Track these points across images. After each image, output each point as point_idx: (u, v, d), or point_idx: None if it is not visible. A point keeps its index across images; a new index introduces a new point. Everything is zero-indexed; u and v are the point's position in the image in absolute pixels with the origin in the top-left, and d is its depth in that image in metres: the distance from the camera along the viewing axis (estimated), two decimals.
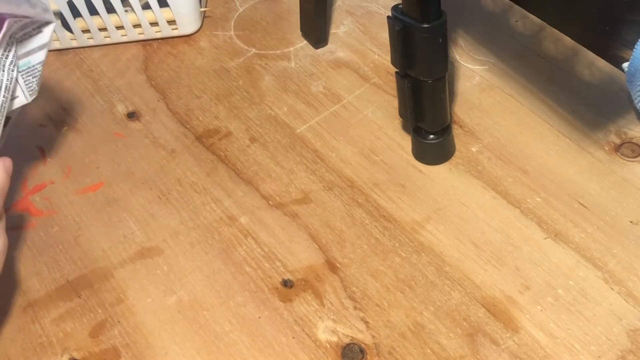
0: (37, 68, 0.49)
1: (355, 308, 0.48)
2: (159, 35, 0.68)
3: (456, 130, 0.57)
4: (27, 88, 0.49)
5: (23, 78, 0.49)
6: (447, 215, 0.52)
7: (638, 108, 0.54)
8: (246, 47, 0.67)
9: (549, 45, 0.62)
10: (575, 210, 0.51)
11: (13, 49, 0.47)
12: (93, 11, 0.65)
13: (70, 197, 0.57)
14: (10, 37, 0.46)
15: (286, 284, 0.50)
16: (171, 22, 0.67)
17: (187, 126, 0.61)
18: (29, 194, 0.58)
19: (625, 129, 0.55)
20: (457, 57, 0.63)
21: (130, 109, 0.63)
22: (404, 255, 0.50)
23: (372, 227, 0.52)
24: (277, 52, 0.66)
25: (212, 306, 0.49)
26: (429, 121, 0.53)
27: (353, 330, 0.47)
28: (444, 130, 0.54)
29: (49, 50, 0.69)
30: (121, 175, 0.58)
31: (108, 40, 0.69)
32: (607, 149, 0.54)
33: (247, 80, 0.64)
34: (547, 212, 0.51)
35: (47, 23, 0.49)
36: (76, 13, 0.65)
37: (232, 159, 0.58)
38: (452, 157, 0.56)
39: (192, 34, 0.69)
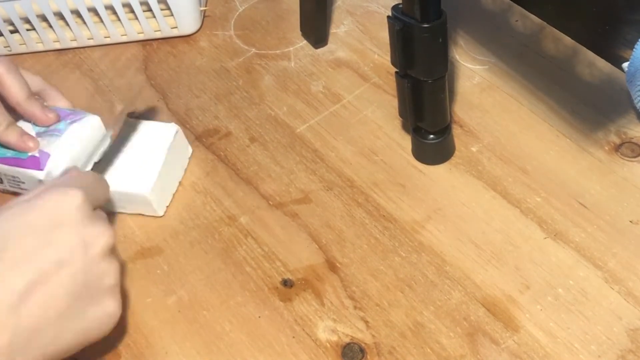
0: None
1: (355, 307, 0.48)
2: (158, 35, 0.68)
3: (456, 130, 0.57)
4: None
5: None
6: (447, 215, 0.52)
7: (638, 108, 0.54)
8: (246, 47, 0.67)
9: (549, 45, 0.62)
10: (575, 210, 0.51)
11: None
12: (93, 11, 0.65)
13: None
14: None
15: (286, 283, 0.50)
16: (171, 22, 0.67)
17: (187, 126, 0.61)
18: None
19: (625, 128, 0.55)
20: (457, 57, 0.63)
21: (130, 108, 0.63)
22: (404, 254, 0.50)
23: (372, 226, 0.52)
24: (277, 51, 0.66)
25: (212, 306, 0.49)
26: (428, 121, 0.53)
27: (353, 330, 0.47)
28: (444, 130, 0.54)
29: (49, 51, 0.69)
30: None
31: (108, 40, 0.69)
32: (607, 148, 0.54)
33: (247, 80, 0.64)
34: (547, 211, 0.51)
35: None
36: (76, 13, 0.65)
37: (232, 158, 0.58)
38: (452, 157, 0.56)
39: (192, 34, 0.69)
